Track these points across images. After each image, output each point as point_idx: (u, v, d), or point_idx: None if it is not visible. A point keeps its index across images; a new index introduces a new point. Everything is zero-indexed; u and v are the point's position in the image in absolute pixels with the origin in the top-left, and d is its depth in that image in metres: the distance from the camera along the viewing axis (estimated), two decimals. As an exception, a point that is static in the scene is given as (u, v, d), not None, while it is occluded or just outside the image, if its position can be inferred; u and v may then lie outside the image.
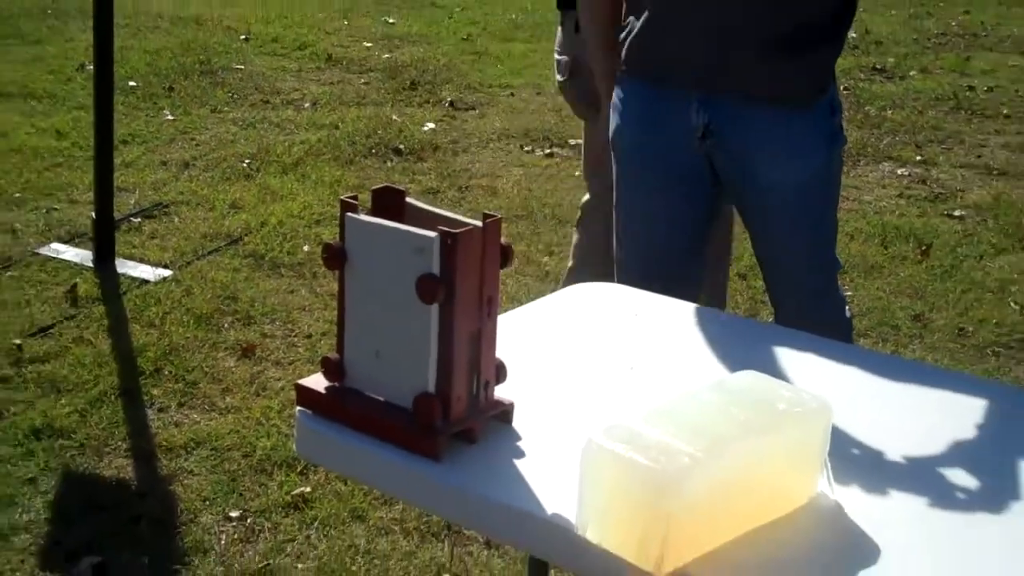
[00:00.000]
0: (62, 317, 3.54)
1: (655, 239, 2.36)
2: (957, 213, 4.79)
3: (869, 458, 1.50)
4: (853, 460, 1.48)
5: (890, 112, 6.29)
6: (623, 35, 2.28)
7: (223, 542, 2.61)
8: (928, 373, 1.83)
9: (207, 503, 2.75)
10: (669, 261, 2.36)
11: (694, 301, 2.13)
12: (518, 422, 1.51)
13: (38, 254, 3.98)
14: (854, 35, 7.87)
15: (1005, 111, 6.29)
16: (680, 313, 1.94)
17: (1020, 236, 4.46)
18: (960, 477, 1.47)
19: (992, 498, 1.43)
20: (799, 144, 2.22)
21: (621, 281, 2.33)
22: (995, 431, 1.60)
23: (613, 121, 2.34)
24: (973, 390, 1.73)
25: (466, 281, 1.40)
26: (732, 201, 2.37)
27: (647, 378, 1.69)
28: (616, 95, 2.33)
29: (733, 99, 2.18)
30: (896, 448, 1.53)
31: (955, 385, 1.75)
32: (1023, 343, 3.71)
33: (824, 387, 1.46)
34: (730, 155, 2.24)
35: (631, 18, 2.26)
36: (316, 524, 2.68)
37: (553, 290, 2.03)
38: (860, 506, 1.39)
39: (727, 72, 2.16)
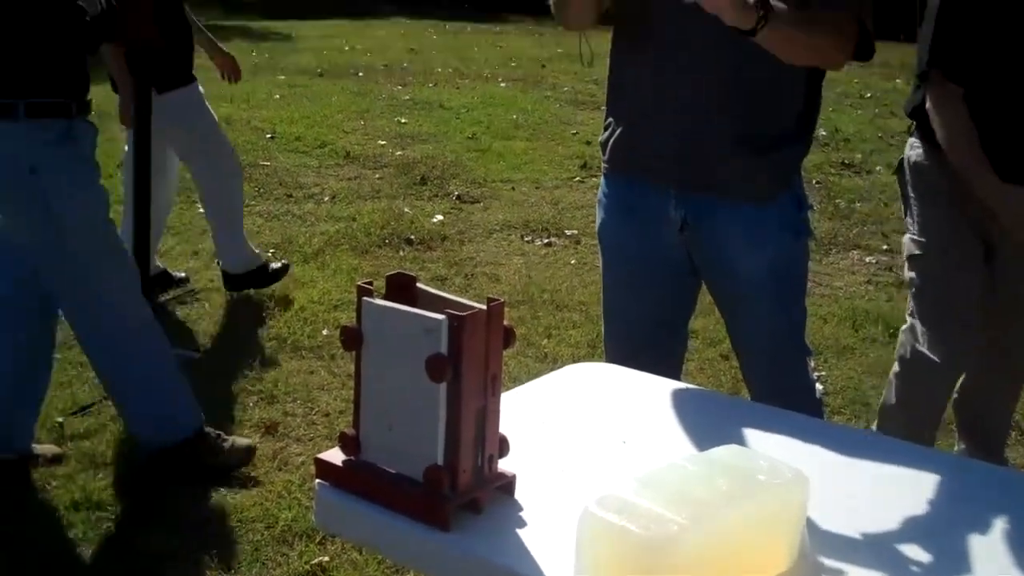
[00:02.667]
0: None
1: (639, 321, 2.37)
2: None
3: (844, 527, 1.49)
4: (829, 528, 1.47)
5: (858, 204, 6.33)
6: (606, 136, 2.30)
7: (247, 606, 2.59)
8: (897, 448, 1.83)
9: (232, 571, 2.73)
10: (652, 341, 2.36)
11: (676, 377, 2.14)
12: (520, 493, 1.51)
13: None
14: (824, 133, 7.94)
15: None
16: (668, 391, 1.94)
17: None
18: (929, 546, 1.46)
19: (953, 562, 1.43)
20: (766, 236, 2.22)
21: (609, 358, 2.34)
22: (959, 502, 1.60)
23: (599, 215, 2.37)
24: (940, 465, 1.73)
25: (472, 360, 1.41)
26: (708, 288, 2.37)
27: (638, 451, 1.69)
28: (601, 190, 2.36)
29: (705, 195, 2.19)
30: (869, 517, 1.52)
31: (923, 460, 1.75)
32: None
33: (801, 460, 1.46)
34: (705, 246, 2.25)
35: (611, 120, 2.29)
36: (333, 589, 2.66)
37: (551, 370, 2.03)
38: (837, 573, 1.38)
39: (698, 172, 2.17)
